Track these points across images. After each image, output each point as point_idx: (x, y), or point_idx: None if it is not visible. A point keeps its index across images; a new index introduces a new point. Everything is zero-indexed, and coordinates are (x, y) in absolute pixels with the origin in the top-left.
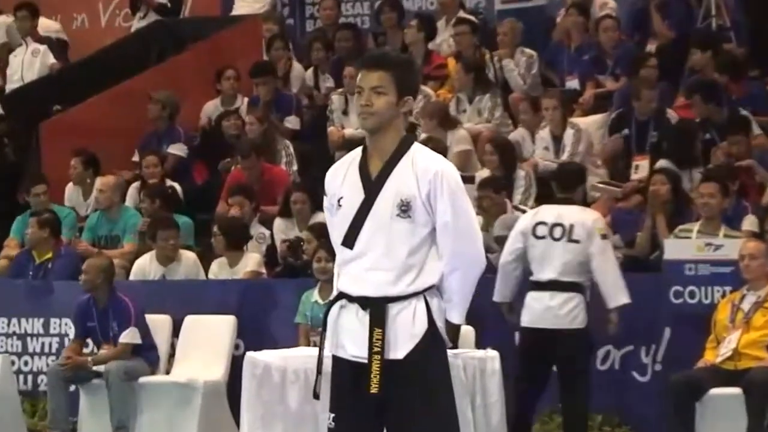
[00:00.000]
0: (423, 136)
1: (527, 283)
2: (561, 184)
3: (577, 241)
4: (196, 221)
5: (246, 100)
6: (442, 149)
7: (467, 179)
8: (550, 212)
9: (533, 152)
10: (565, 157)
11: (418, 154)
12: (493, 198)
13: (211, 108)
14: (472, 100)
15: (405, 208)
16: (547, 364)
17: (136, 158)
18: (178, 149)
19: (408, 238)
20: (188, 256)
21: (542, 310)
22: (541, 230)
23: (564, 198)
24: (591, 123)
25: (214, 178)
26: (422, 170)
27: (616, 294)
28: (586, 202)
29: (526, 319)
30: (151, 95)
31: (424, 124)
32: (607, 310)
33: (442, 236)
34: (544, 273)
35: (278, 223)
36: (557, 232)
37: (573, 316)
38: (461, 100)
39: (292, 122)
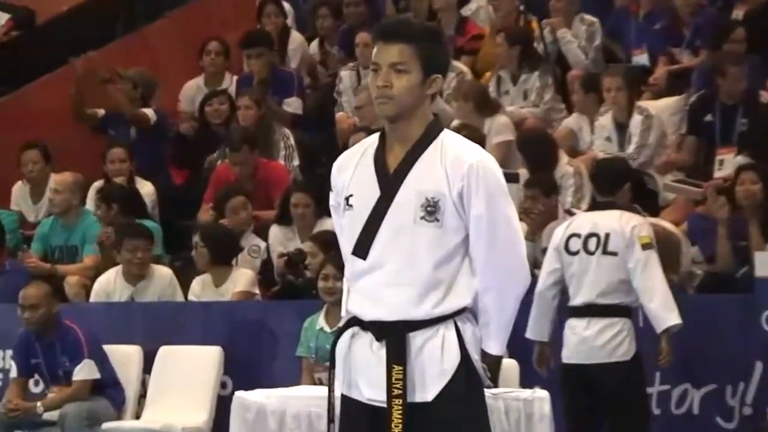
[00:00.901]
0: (455, 123)
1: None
2: (599, 185)
3: (613, 254)
4: (174, 228)
5: (235, 79)
6: (478, 139)
7: (510, 177)
8: (585, 221)
9: (591, 144)
10: (631, 149)
11: (449, 142)
12: (541, 200)
13: (193, 89)
14: (516, 80)
15: (431, 210)
16: (591, 406)
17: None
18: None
19: (435, 246)
20: (162, 273)
21: (576, 342)
22: (575, 244)
23: (604, 202)
24: (664, 107)
25: (195, 176)
26: (453, 162)
27: (664, 314)
28: (635, 207)
29: (564, 354)
30: (119, 73)
31: (457, 108)
32: (659, 336)
33: (477, 245)
34: (579, 296)
35: (275, 231)
36: (591, 244)
37: (613, 346)
38: (503, 79)
39: (292, 105)
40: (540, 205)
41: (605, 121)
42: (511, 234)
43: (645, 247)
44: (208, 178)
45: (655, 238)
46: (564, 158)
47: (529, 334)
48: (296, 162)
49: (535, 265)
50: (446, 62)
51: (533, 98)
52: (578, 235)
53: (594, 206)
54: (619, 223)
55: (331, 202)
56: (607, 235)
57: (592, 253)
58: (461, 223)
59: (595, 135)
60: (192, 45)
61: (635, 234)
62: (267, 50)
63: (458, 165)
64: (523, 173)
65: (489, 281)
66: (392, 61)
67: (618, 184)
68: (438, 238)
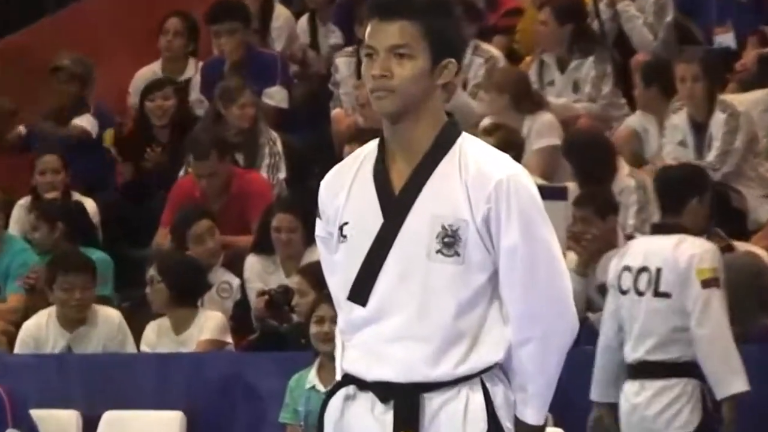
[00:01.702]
0: (485, 122)
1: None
2: (661, 201)
3: (666, 295)
4: (123, 259)
5: (201, 66)
6: (515, 143)
7: (555, 192)
8: (639, 250)
9: (660, 150)
10: (712, 157)
11: (470, 151)
12: (595, 222)
13: (146, 79)
14: (565, 67)
15: (450, 241)
16: None
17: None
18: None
19: (455, 288)
20: (108, 316)
21: (627, 412)
22: (626, 280)
23: (666, 225)
24: (753, 102)
25: (150, 192)
26: (477, 178)
27: (726, 377)
28: (716, 231)
29: (623, 421)
30: (56, 67)
31: (488, 102)
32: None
33: (510, 285)
34: (630, 350)
35: (253, 263)
36: (642, 281)
37: (669, 416)
38: (548, 65)
39: (275, 97)
40: (594, 229)
41: (678, 120)
42: (553, 269)
43: (706, 284)
44: (165, 195)
45: (742, 270)
46: (625, 168)
47: (594, 395)
48: (282, 174)
49: (589, 307)
50: (461, 42)
51: (587, 90)
52: (629, 269)
53: (655, 229)
54: (674, 252)
55: (319, 232)
56: (659, 270)
57: (642, 294)
58: (488, 257)
59: (665, 138)
60: (146, 22)
61: (693, 266)
62: (241, 26)
63: (483, 182)
64: (573, 188)
65: (525, 330)
66: (391, 43)
67: (684, 199)
68: (459, 277)
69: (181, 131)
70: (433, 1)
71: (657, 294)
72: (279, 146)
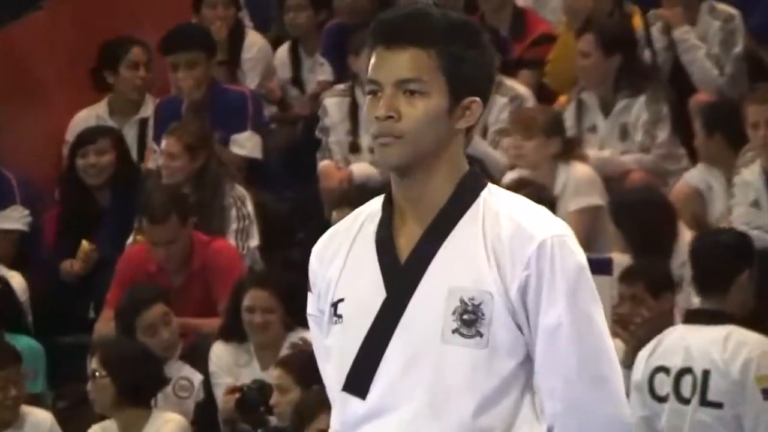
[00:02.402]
0: (509, 177)
1: None
2: (700, 279)
3: (717, 405)
4: (56, 348)
5: (155, 106)
6: (547, 202)
7: (598, 265)
8: (678, 343)
9: (729, 212)
10: None
11: (498, 205)
12: (647, 302)
13: (89, 120)
14: (610, 108)
15: (470, 318)
16: None
17: None
18: (13, 216)
19: (476, 377)
20: (39, 420)
21: None
22: (662, 383)
23: (706, 312)
24: None
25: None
26: (510, 239)
27: None
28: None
29: None
30: None
31: (514, 151)
32: None
33: (548, 373)
34: None
35: (221, 353)
36: (686, 386)
37: None
38: (588, 107)
39: (245, 146)
40: (645, 311)
41: (750, 175)
42: (600, 356)
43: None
44: (111, 265)
45: None
46: (686, 235)
47: None
48: (254, 241)
49: None
50: (488, 76)
51: (639, 138)
52: (666, 370)
53: (693, 316)
54: (723, 351)
55: (310, 310)
56: (706, 374)
57: (687, 402)
58: (519, 338)
59: (734, 198)
60: (87, 52)
61: (750, 372)
62: (203, 57)
63: (519, 244)
64: (620, 260)
65: (566, 430)
66: (400, 76)
67: (731, 275)
68: (481, 363)
69: (125, 192)
70: (453, 24)
71: (704, 403)
72: (249, 207)
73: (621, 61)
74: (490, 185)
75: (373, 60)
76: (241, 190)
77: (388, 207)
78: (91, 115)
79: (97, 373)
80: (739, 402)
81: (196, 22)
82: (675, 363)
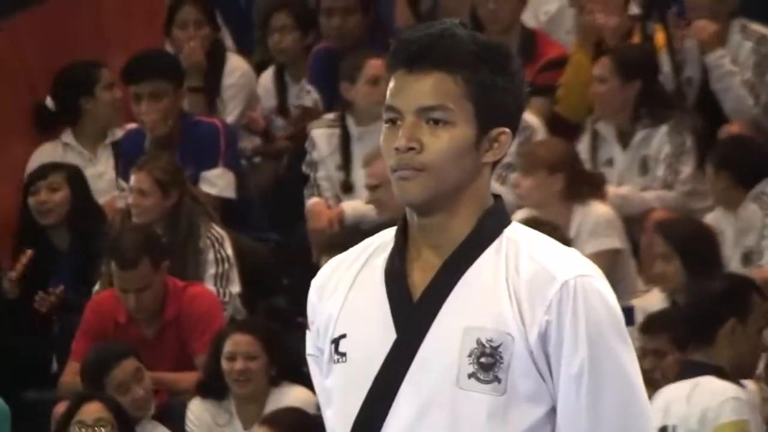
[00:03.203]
0: (518, 215)
1: None
2: (684, 328)
3: None
4: (19, 405)
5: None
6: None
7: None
8: (659, 402)
9: (761, 256)
10: None
11: (522, 244)
12: (671, 354)
13: (55, 150)
14: (628, 139)
15: (488, 362)
16: None
17: None
18: None
19: (494, 427)
20: None
21: None
22: None
23: (693, 363)
24: None
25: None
26: (533, 280)
27: None
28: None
29: None
30: None
31: (524, 188)
32: None
33: (574, 426)
34: None
35: (199, 411)
36: None
37: None
38: (604, 138)
39: (216, 183)
40: (669, 364)
41: None
42: (631, 411)
43: None
44: (73, 313)
45: None
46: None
47: None
48: (235, 287)
49: None
50: (518, 106)
51: (660, 173)
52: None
53: (682, 369)
54: (687, 404)
55: (310, 349)
56: (674, 428)
57: None
58: (542, 386)
59: (765, 242)
60: (50, 77)
61: (708, 421)
62: (170, 87)
63: (541, 285)
64: (641, 305)
65: None
66: (423, 104)
67: (710, 325)
68: (499, 412)
69: (84, 232)
70: (483, 48)
71: None
72: (229, 249)
73: (641, 87)
74: (514, 222)
75: (392, 84)
76: (219, 230)
77: (401, 237)
78: (56, 145)
79: None
80: None
81: (168, 47)
82: (657, 422)
